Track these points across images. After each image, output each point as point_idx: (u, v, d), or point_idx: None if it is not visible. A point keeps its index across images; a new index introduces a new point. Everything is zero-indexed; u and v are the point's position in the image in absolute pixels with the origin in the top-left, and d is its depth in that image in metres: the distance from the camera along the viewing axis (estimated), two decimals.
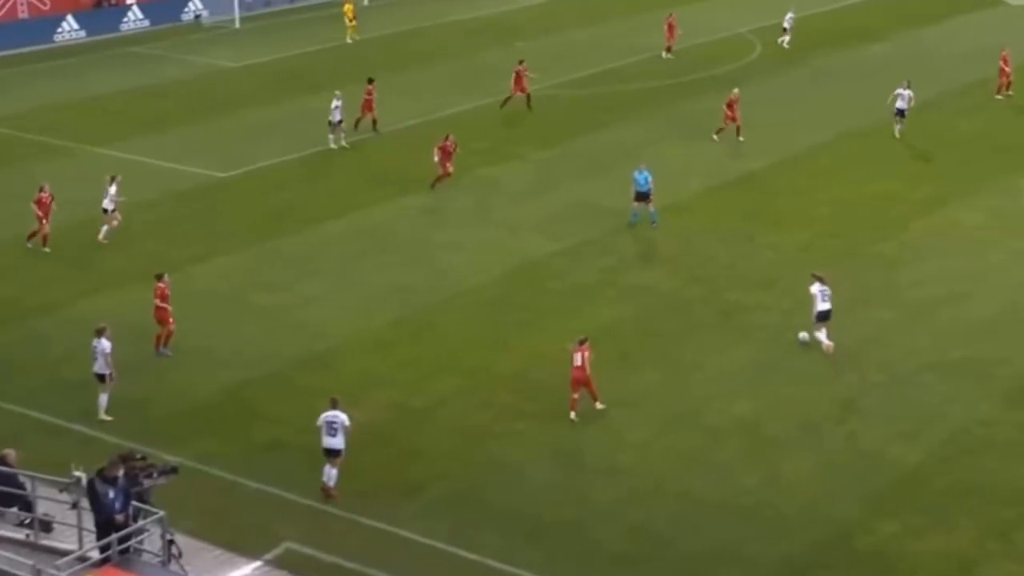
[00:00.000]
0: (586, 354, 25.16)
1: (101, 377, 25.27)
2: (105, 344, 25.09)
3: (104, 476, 18.45)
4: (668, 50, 53.34)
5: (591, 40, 57.25)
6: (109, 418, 25.13)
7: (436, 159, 37.30)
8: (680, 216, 35.91)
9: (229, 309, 30.26)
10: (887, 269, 32.19)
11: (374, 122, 43.42)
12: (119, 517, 18.26)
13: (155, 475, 19.22)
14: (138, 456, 19.57)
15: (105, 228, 34.59)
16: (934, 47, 55.29)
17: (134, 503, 18.58)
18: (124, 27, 60.78)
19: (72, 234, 34.76)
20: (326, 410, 22.88)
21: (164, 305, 27.92)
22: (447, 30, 60.23)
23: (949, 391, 26.10)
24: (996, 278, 31.57)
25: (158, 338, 27.94)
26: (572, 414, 25.15)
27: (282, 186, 38.89)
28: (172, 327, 27.94)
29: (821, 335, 27.78)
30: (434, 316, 29.96)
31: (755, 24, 59.47)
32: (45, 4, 59.11)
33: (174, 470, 19.51)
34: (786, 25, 56.33)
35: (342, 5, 61.31)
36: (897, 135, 41.82)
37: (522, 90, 45.95)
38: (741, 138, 41.86)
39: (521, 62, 46.51)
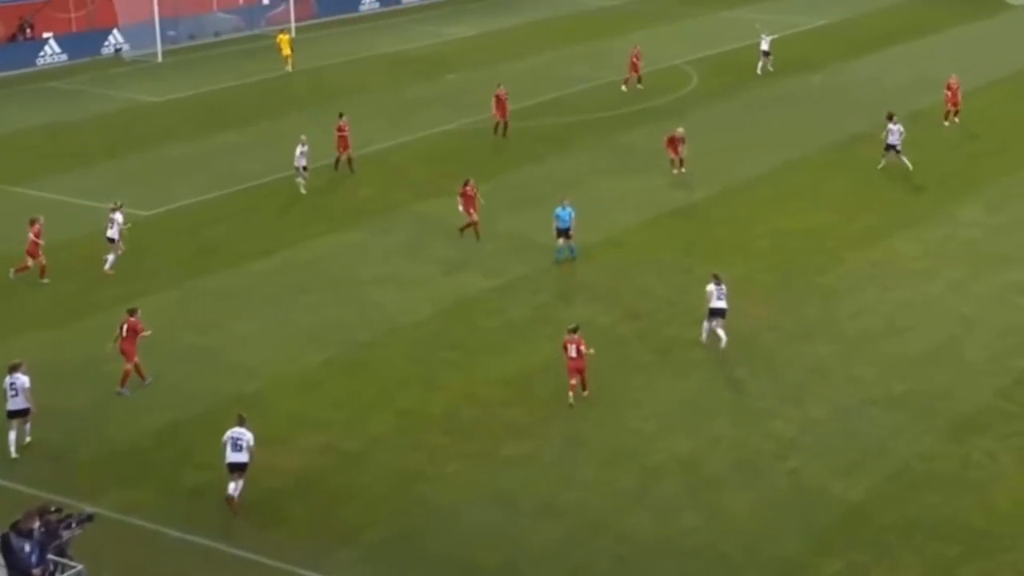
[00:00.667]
0: (580, 345, 27.12)
1: (17, 413, 25.06)
2: (23, 379, 24.99)
3: (19, 530, 18.18)
4: (627, 82, 53.41)
5: (524, 72, 57.64)
6: (17, 456, 24.94)
7: (460, 207, 36.54)
8: (616, 250, 36.13)
9: (156, 350, 29.88)
10: (826, 301, 32.61)
11: (350, 161, 42.70)
12: (35, 572, 17.98)
13: (73, 525, 18.97)
14: (52, 509, 19.30)
15: (111, 258, 34.72)
16: (872, 76, 56.27)
17: (52, 557, 18.31)
18: (41, 61, 60.35)
19: None
20: (232, 426, 23.56)
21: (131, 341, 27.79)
22: (374, 63, 60.42)
23: (892, 425, 26.45)
24: (936, 310, 32.10)
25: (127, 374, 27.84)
26: (571, 395, 27.24)
27: (208, 223, 38.70)
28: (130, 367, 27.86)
29: (720, 331, 29.51)
30: (366, 355, 29.91)
31: (692, 55, 60.24)
32: None
33: (90, 518, 19.26)
34: (765, 48, 57.20)
35: (275, 36, 61.45)
36: (882, 165, 42.28)
37: (503, 115, 46.45)
38: (676, 171, 42.24)
39: (499, 85, 47.16)
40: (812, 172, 43.21)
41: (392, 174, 43.23)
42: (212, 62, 61.32)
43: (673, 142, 42.22)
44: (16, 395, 25.01)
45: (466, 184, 36.76)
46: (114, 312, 31.31)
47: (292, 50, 59.83)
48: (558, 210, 35.20)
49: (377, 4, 75.12)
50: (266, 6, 69.51)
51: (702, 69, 57.75)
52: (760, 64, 56.72)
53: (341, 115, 43.25)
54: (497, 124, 46.91)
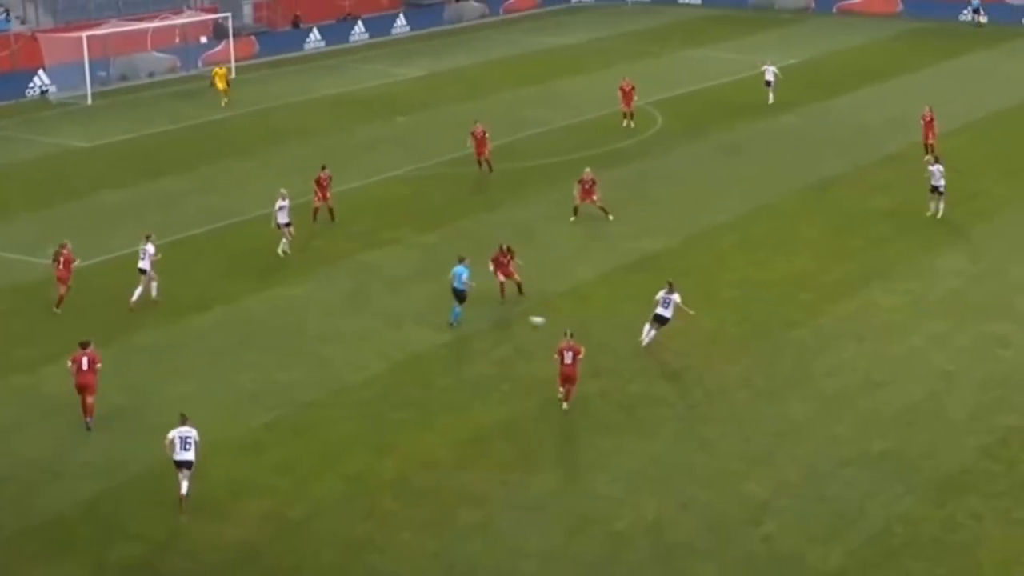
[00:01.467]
0: (578, 353, 28.96)
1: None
2: None
3: None
4: (627, 116, 54.59)
5: (477, 114, 57.62)
6: None
7: (491, 269, 35.79)
8: (576, 303, 36.12)
9: (81, 413, 29.58)
10: (800, 356, 32.67)
11: (331, 211, 42.48)
12: None
13: None
14: None
15: (139, 291, 35.59)
16: (845, 118, 56.83)
17: None
18: None
19: None
20: (176, 426, 25.77)
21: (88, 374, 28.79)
22: (318, 105, 60.48)
23: (870, 487, 26.44)
24: (915, 364, 32.22)
25: (91, 408, 28.93)
26: (564, 405, 29.30)
27: (136, 279, 38.31)
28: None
29: (651, 334, 31.95)
30: (312, 415, 29.66)
31: (656, 96, 60.63)
32: None
33: None
34: (769, 78, 58.73)
35: (212, 71, 61.56)
36: (932, 213, 41.94)
37: (481, 153, 47.15)
38: (611, 217, 42.25)
39: (476, 122, 47.94)
40: (784, 218, 43.45)
41: (337, 222, 43.07)
42: (146, 104, 61.14)
43: (583, 184, 42.10)
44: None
45: (503, 250, 35.86)
46: (36, 374, 31.07)
47: (228, 84, 60.24)
48: (454, 268, 34.39)
49: (322, 43, 75.35)
50: (203, 45, 69.50)
51: (667, 110, 58.17)
52: (770, 96, 58.55)
53: (324, 167, 42.82)
54: (480, 160, 47.77)
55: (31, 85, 62.48)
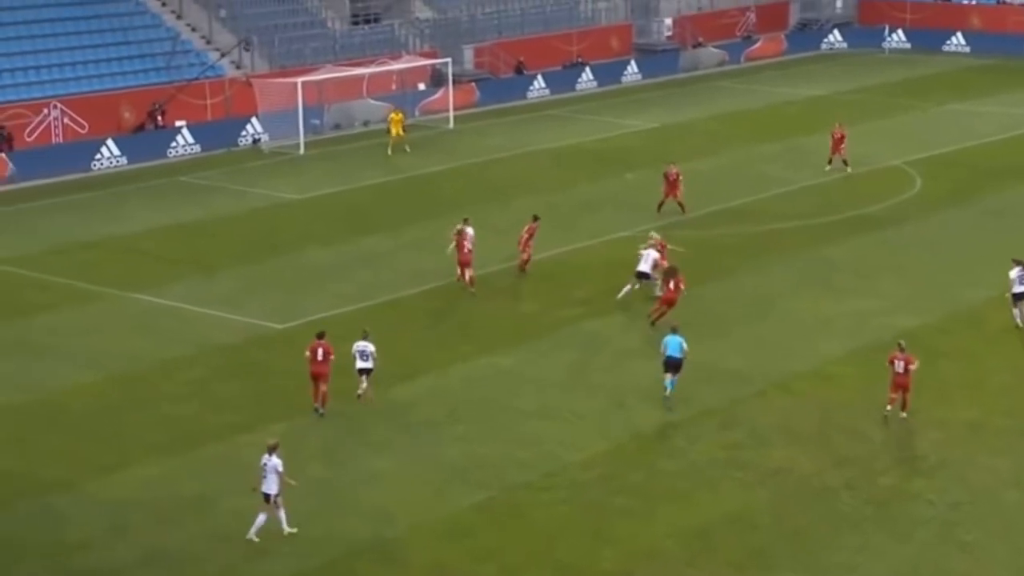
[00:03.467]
0: (911, 363, 32.09)
1: (267, 497, 27.42)
2: (276, 461, 27.40)
3: None
4: (830, 161, 55.63)
5: (712, 172, 57.24)
6: (294, 529, 27.53)
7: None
8: (821, 384, 35.27)
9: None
10: None
11: (525, 262, 44.08)
12: None
13: None
14: None
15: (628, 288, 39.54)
16: None
17: None
18: (172, 153, 62.09)
19: (95, 398, 35.00)
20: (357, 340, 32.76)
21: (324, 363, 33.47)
22: (541, 158, 60.69)
23: None
24: None
25: (324, 396, 33.45)
26: (888, 408, 32.47)
27: (345, 340, 38.59)
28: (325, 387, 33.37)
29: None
30: (521, 499, 29.43)
31: (914, 154, 59.11)
32: (83, 127, 60.69)
33: None
34: None
35: (388, 117, 62.95)
36: (1019, 323, 39.81)
37: (673, 195, 49.30)
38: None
39: (672, 164, 50.24)
40: None
41: (558, 287, 43.00)
42: (359, 155, 62.36)
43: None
44: (267, 477, 27.51)
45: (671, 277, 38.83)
46: (232, 442, 31.69)
47: (404, 130, 61.67)
48: (667, 337, 34.37)
49: (547, 91, 75.85)
50: (421, 92, 70.67)
51: (927, 170, 56.58)
52: None
53: (536, 218, 44.34)
54: (661, 203, 49.24)
55: (243, 133, 64.38)
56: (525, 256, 43.90)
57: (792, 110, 71.30)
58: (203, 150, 62.67)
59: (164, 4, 68.87)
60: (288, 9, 72.42)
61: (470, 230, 42.20)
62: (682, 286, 32.08)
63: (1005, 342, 37.94)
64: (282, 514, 27.65)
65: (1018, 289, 37.90)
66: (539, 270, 44.65)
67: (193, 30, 68.45)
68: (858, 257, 44.47)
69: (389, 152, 61.29)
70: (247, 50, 67.91)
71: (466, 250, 42.07)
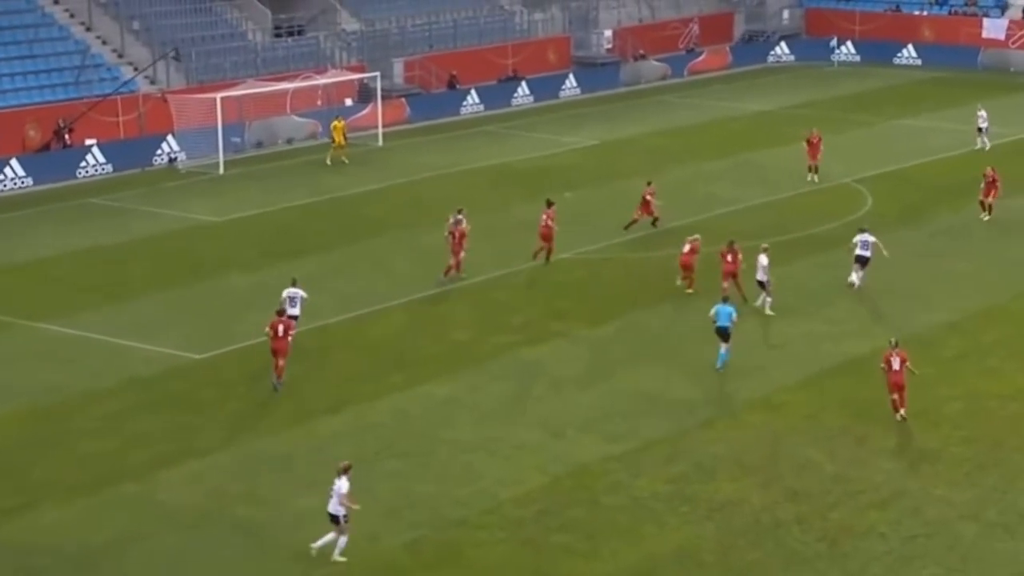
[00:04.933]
0: (905, 360, 33.84)
1: (334, 518, 28.11)
2: (341, 483, 28.17)
3: None
4: (812, 170, 58.18)
5: (657, 191, 57.59)
6: (343, 559, 27.96)
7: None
8: (770, 413, 35.50)
9: (203, 525, 29.84)
10: None
11: (549, 253, 47.19)
12: None
13: None
14: None
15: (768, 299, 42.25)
16: None
17: None
18: (82, 173, 61.75)
19: (0, 435, 34.81)
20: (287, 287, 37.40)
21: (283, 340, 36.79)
22: (472, 177, 60.85)
23: None
24: None
25: (281, 370, 36.72)
26: (900, 413, 34.20)
27: (269, 370, 38.75)
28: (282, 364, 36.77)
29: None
30: (459, 536, 29.45)
31: (864, 172, 59.80)
32: None
33: None
34: (981, 125, 63.03)
35: (331, 125, 63.63)
36: (856, 283, 43.08)
37: (649, 212, 50.92)
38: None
39: (649, 183, 51.67)
40: (1017, 321, 42.22)
41: (493, 312, 43.14)
42: (283, 174, 62.27)
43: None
44: (332, 498, 28.34)
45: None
46: (149, 480, 31.54)
47: (345, 139, 62.96)
48: (717, 307, 37.95)
49: (481, 107, 76.15)
50: (348, 108, 70.71)
51: (878, 188, 57.24)
52: (979, 140, 62.95)
53: (550, 203, 47.57)
54: (632, 221, 50.63)
55: (159, 152, 64.11)
56: (549, 246, 47.23)
57: (738, 125, 71.94)
58: (115, 170, 62.39)
59: (72, 16, 68.53)
60: (206, 20, 72.22)
61: (462, 219, 45.69)
62: (906, 361, 34.40)
63: (960, 368, 38.37)
64: (342, 540, 28.26)
65: (860, 252, 43.73)
66: (473, 295, 44.77)
67: (104, 43, 68.17)
68: (808, 279, 44.86)
69: (328, 161, 61.96)
70: (177, 59, 67.70)
71: (458, 238, 45.37)
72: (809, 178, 58.04)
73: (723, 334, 37.85)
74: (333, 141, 63.33)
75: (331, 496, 28.39)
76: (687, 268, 44.32)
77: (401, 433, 34.67)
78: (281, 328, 36.91)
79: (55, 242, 51.72)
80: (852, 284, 44.18)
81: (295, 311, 39.13)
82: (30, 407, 36.26)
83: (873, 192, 56.79)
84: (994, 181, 52.04)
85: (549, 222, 47.22)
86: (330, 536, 28.23)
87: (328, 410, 35.97)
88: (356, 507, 28.46)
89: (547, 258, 47.44)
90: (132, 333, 41.60)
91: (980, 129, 63.59)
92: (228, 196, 58.49)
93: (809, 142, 58.57)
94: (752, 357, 39.19)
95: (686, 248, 44.39)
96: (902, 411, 34.34)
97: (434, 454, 33.45)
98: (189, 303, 44.70)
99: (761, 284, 42.41)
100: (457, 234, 45.65)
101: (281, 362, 36.97)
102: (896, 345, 34.45)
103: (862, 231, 44.73)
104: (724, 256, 43.06)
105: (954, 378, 37.64)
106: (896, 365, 34.18)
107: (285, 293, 39.48)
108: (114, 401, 36.72)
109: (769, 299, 42.15)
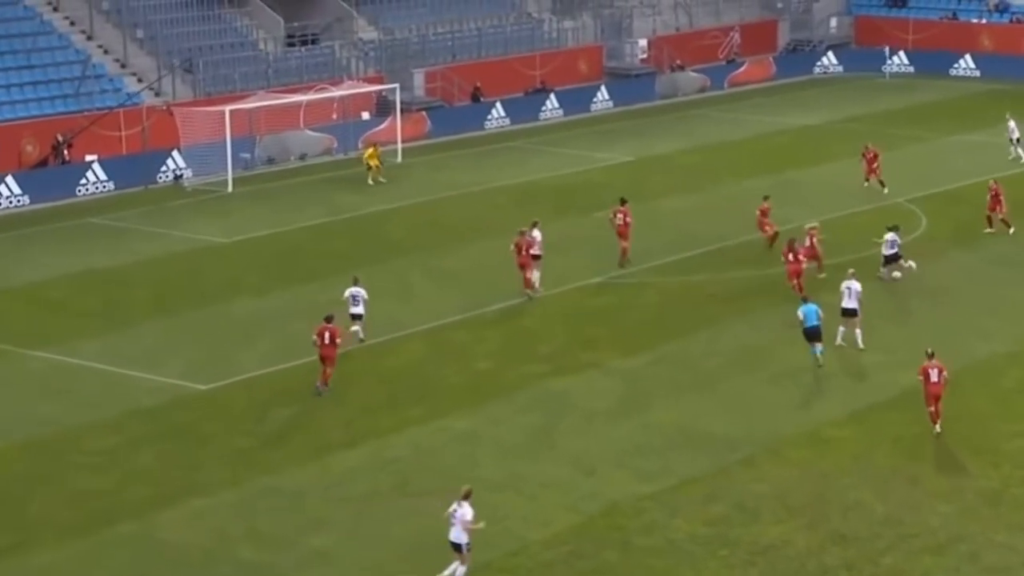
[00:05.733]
0: (943, 370, 35.09)
1: (457, 547, 28.67)
2: (465, 511, 28.74)
3: None
4: (868, 181, 60.01)
5: (692, 210, 57.60)
6: None
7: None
8: (815, 450, 35.34)
9: (206, 566, 29.85)
10: None
11: (624, 253, 49.28)
12: None
13: None
14: None
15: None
16: None
17: None
18: (82, 191, 61.93)
19: None
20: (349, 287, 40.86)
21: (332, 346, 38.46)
22: (496, 196, 60.80)
23: None
24: None
25: (327, 376, 38.49)
26: (936, 426, 35.40)
27: (279, 402, 38.77)
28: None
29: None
30: None
31: (918, 191, 59.57)
32: None
33: None
34: (1014, 136, 65.02)
35: (364, 151, 63.69)
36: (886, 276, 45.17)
37: (764, 231, 51.18)
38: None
39: (766, 198, 52.03)
40: None
41: (518, 341, 43.08)
42: (296, 192, 62.40)
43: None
44: (454, 525, 28.95)
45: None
46: (150, 520, 31.55)
47: (381, 162, 63.55)
48: (804, 307, 40.15)
49: (507, 120, 76.21)
50: (365, 122, 70.81)
51: (932, 209, 57.02)
52: (1012, 151, 64.44)
53: (623, 200, 49.56)
54: (771, 237, 51.20)
55: (164, 169, 64.29)
56: (626, 245, 49.67)
57: (782, 141, 71.82)
58: (117, 188, 62.63)
59: (73, 23, 68.93)
60: (214, 29, 72.52)
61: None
62: (944, 372, 35.70)
63: (1021, 402, 38.14)
64: (461, 570, 28.87)
65: (888, 252, 46.35)
66: (497, 322, 44.70)
67: (106, 52, 68.53)
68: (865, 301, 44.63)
69: (370, 182, 62.73)
70: (189, 72, 67.96)
71: (527, 253, 46.12)
72: (866, 184, 59.90)
73: (814, 334, 39.98)
74: (369, 168, 63.25)
75: (452, 523, 28.86)
76: (813, 257, 47.24)
77: (420, 469, 34.60)
78: (328, 335, 38.40)
79: (52, 264, 51.87)
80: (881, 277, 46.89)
81: (358, 309, 41.75)
82: (24, 440, 36.28)
83: (927, 212, 56.59)
84: (997, 195, 53.02)
85: (627, 218, 49.46)
86: (454, 566, 28.70)
87: (342, 444, 35.93)
88: (481, 525, 29.13)
89: (624, 258, 49.60)
90: (133, 362, 41.64)
91: (1013, 140, 65.03)
92: (237, 216, 58.59)
93: (864, 158, 59.54)
94: (797, 389, 39.07)
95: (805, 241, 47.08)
96: (937, 426, 35.48)
97: (455, 492, 33.26)
98: (193, 330, 44.73)
99: (852, 312, 42.08)
100: (524, 247, 46.28)
101: (329, 370, 38.63)
102: (932, 356, 35.52)
103: (893, 229, 47.45)
104: (787, 256, 45.43)
105: (1015, 413, 37.41)
106: (935, 377, 35.25)
107: (347, 292, 41.87)
108: (113, 434, 36.71)
109: (860, 331, 41.99)
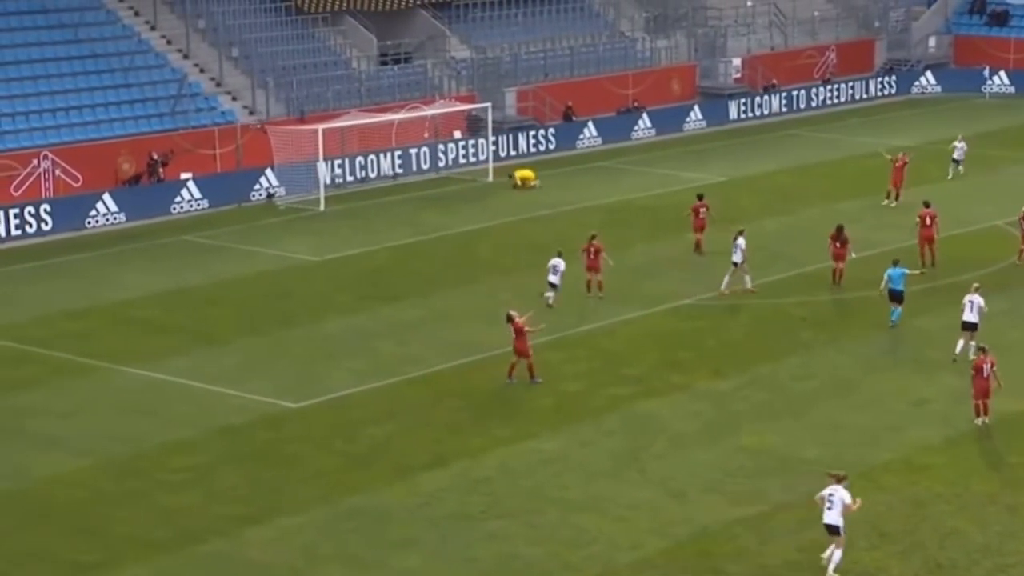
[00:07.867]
0: (994, 364, 36.17)
1: (835, 529, 29.68)
2: (845, 493, 29.65)
3: None
4: (890, 196, 61.30)
5: (784, 232, 57.13)
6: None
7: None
8: (911, 476, 34.87)
9: None
10: None
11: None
12: None
13: None
14: None
15: (726, 280, 47.96)
16: None
17: None
18: (176, 209, 62.34)
19: (80, 487, 34.90)
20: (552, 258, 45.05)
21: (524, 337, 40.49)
22: (587, 216, 60.52)
23: None
24: None
25: (531, 367, 40.68)
26: (983, 420, 36.78)
27: (367, 422, 38.75)
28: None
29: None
30: None
31: (1017, 214, 58.49)
32: (77, 180, 61.01)
33: None
34: (956, 156, 65.97)
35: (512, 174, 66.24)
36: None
37: (840, 257, 49.84)
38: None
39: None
40: None
41: (607, 362, 42.85)
42: (386, 212, 62.55)
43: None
44: (833, 508, 29.76)
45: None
46: (236, 538, 31.60)
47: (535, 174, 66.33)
48: (892, 270, 43.60)
49: (599, 140, 76.06)
50: (457, 139, 70.84)
51: None
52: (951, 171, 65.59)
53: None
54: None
55: (257, 187, 64.62)
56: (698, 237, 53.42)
57: (876, 162, 70.93)
58: (211, 206, 63.06)
59: (169, 43, 69.49)
60: (308, 48, 72.85)
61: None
62: (994, 365, 36.89)
63: None
64: (838, 554, 29.56)
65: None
66: (585, 343, 44.51)
67: (201, 71, 69.06)
68: (954, 330, 43.93)
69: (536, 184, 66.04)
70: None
71: (593, 256, 48.30)
72: (884, 203, 60.98)
73: (898, 297, 43.61)
74: (521, 185, 65.70)
75: (828, 507, 29.67)
76: (928, 241, 50.57)
77: (507, 490, 34.44)
78: (513, 330, 40.42)
79: (145, 281, 52.25)
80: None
81: (555, 279, 46.58)
82: (112, 456, 36.49)
83: None
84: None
85: (703, 211, 52.98)
86: (830, 550, 29.63)
87: (429, 464, 35.83)
88: (857, 505, 29.82)
89: (698, 247, 52.95)
90: (221, 379, 41.81)
91: (955, 161, 66.05)
92: (328, 235, 58.82)
93: (895, 165, 60.88)
94: (891, 415, 38.54)
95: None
96: (985, 418, 36.60)
97: (542, 513, 33.18)
98: (283, 348, 44.84)
99: (972, 325, 42.11)
100: (592, 251, 48.23)
101: (526, 361, 40.66)
102: (986, 351, 36.80)
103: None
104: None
105: None
106: (986, 372, 36.37)
107: (551, 262, 46.83)
108: (200, 452, 36.84)
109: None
